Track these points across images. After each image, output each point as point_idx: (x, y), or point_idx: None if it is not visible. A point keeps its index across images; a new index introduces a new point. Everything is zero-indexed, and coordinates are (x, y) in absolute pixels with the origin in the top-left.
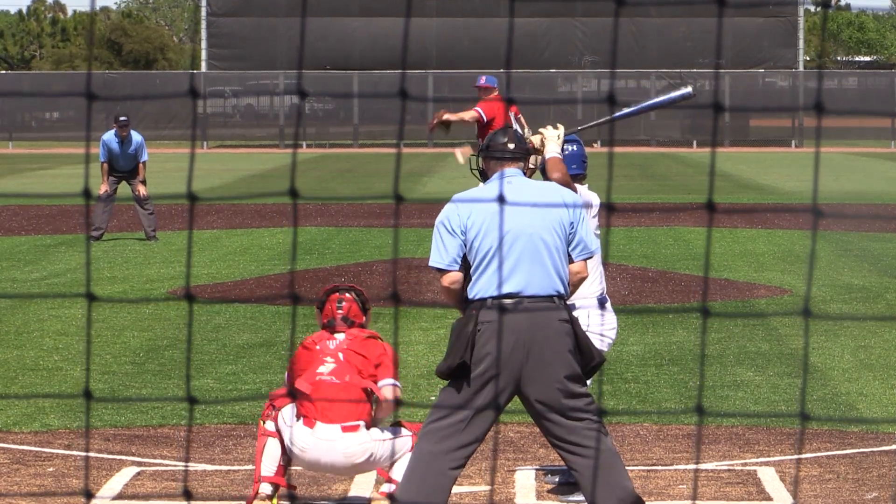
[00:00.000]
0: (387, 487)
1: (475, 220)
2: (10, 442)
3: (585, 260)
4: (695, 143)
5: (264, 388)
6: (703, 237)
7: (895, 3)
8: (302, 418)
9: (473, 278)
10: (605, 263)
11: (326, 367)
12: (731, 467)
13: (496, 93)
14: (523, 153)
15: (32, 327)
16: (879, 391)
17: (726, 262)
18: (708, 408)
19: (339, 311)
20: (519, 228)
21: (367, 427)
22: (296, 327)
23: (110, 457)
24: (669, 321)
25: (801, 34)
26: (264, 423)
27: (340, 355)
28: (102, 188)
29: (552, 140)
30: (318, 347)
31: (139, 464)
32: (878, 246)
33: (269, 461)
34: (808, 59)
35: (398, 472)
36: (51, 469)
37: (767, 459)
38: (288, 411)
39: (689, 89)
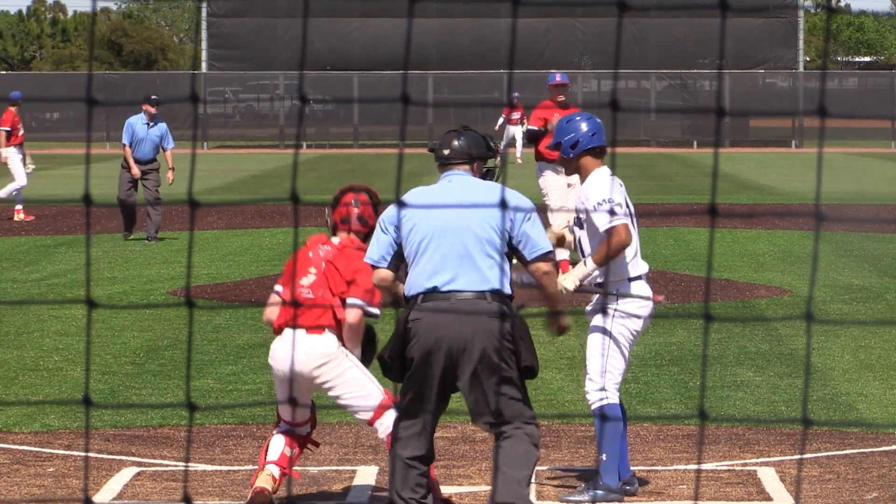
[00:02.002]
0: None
1: (409, 217)
2: (10, 442)
3: (541, 258)
4: (695, 143)
5: (264, 388)
6: (703, 237)
7: (895, 3)
8: (277, 328)
9: (409, 275)
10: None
11: (307, 280)
12: (731, 468)
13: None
14: (464, 158)
15: (33, 328)
16: (879, 391)
17: (726, 262)
18: (708, 408)
19: (356, 210)
20: (447, 224)
21: (336, 336)
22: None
23: (110, 457)
24: (669, 321)
25: (801, 35)
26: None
27: (323, 265)
28: (134, 170)
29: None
30: (310, 254)
31: (139, 464)
32: (878, 246)
33: (274, 449)
34: (808, 59)
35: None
36: (51, 469)
37: (767, 460)
38: None
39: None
